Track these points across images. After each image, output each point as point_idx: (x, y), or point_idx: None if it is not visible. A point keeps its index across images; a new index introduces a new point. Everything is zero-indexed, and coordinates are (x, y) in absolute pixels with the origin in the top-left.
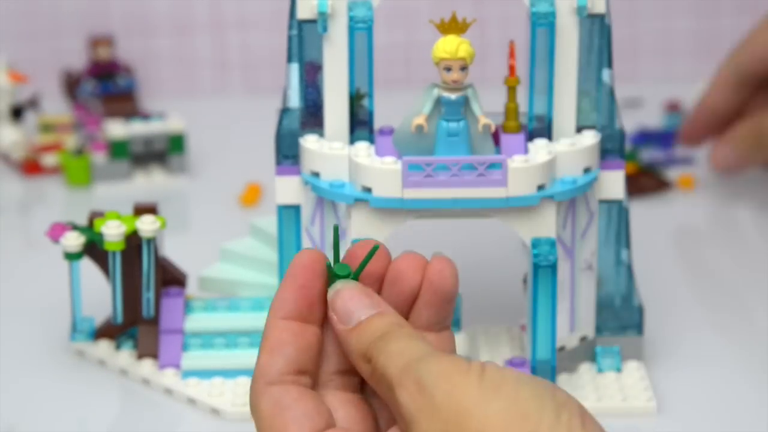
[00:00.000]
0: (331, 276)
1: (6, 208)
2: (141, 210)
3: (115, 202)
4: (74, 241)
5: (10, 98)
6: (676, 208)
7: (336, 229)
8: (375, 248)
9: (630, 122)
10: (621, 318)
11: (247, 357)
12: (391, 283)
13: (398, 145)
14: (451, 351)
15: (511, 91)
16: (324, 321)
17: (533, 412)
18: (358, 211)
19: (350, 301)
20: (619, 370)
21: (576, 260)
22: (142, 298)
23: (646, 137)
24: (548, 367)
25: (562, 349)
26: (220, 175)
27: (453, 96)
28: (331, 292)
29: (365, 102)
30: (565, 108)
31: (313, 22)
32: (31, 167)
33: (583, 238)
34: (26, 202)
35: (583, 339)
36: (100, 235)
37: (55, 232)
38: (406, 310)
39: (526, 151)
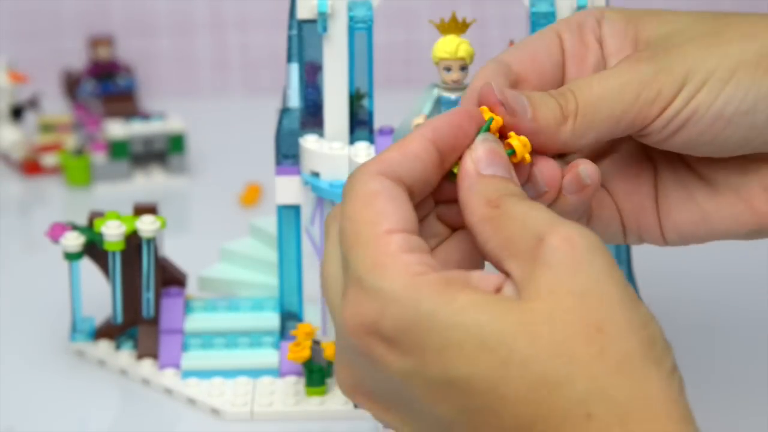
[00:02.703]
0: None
1: (6, 208)
2: (141, 210)
3: (115, 202)
4: (74, 241)
5: (10, 98)
6: None
7: None
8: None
9: None
10: None
11: (247, 357)
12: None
13: None
14: None
15: None
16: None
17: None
18: None
19: (495, 155)
20: None
21: None
22: (142, 298)
23: None
24: None
25: None
26: (220, 175)
27: (453, 96)
28: (481, 136)
29: (365, 102)
30: None
31: (313, 22)
32: (31, 167)
33: None
34: (26, 202)
35: None
36: (100, 235)
37: (55, 232)
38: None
39: None
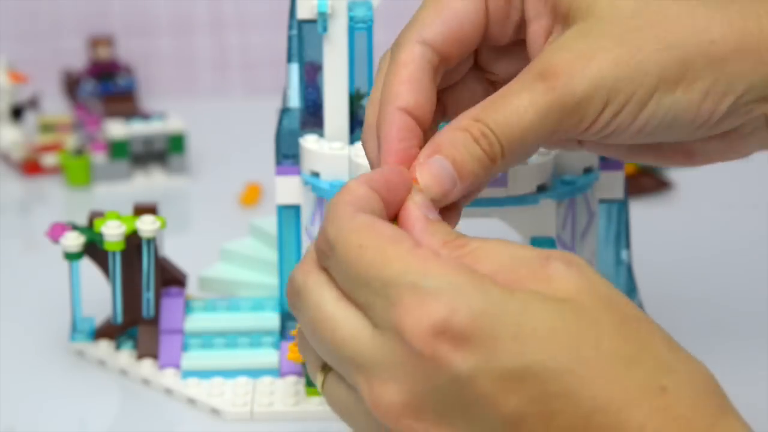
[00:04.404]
0: None
1: (6, 208)
2: (141, 210)
3: (115, 202)
4: (74, 241)
5: (10, 98)
6: (676, 208)
7: None
8: None
9: None
10: None
11: (247, 357)
12: None
13: None
14: None
15: None
16: None
17: None
18: None
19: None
20: None
21: None
22: (142, 298)
23: None
24: None
25: None
26: (220, 175)
27: None
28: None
29: (365, 102)
30: None
31: (313, 22)
32: (31, 167)
33: (583, 238)
34: (26, 202)
35: None
36: (100, 235)
37: (55, 232)
38: None
39: None
